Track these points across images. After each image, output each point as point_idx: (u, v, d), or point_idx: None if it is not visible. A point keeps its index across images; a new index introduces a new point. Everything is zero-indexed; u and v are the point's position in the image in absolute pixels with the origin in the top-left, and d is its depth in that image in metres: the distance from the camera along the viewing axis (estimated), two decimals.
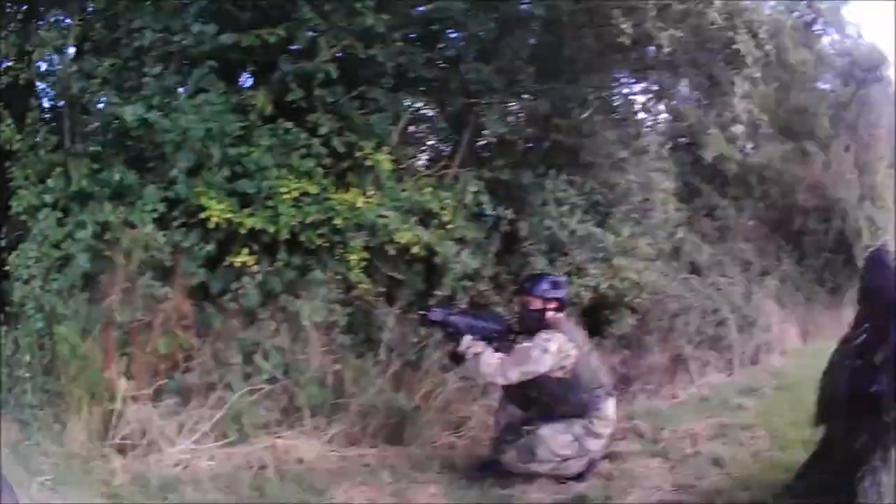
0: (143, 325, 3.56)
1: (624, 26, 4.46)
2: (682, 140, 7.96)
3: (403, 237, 4.17)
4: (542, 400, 3.62)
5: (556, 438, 3.54)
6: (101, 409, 3.23)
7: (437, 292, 4.45)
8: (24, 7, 4.56)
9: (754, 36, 5.15)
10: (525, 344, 3.63)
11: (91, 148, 4.10)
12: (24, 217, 3.57)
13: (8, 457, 2.93)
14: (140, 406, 3.27)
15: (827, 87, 10.13)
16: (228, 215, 3.84)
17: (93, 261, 3.45)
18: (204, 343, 3.77)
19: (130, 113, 3.74)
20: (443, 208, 4.48)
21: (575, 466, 3.59)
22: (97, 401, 3.26)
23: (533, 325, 3.71)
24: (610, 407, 3.72)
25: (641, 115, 6.60)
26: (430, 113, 5.80)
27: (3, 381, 3.28)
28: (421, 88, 5.21)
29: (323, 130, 4.24)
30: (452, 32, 5.26)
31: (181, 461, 3.15)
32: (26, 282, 3.23)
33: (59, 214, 3.58)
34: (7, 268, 3.40)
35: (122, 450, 3.12)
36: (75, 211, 3.58)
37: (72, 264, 3.38)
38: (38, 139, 4.01)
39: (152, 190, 3.77)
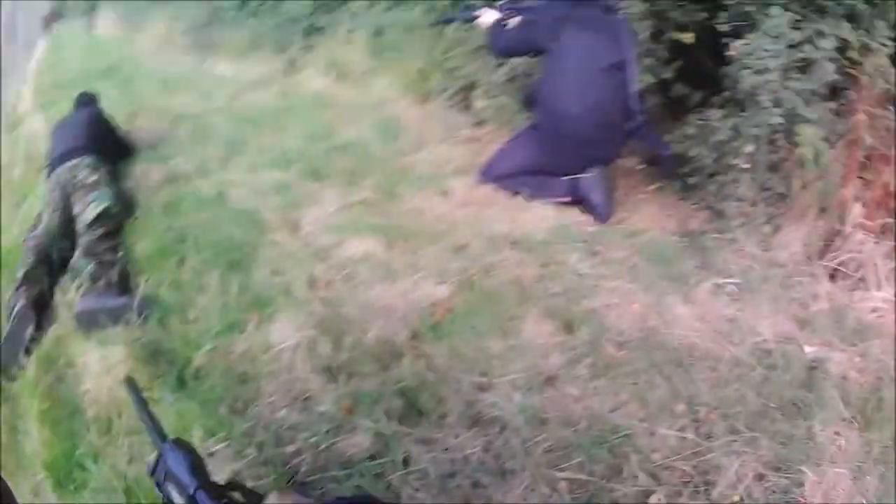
0: (881, 157, 3.77)
1: None
2: None
3: None
4: None
5: None
6: (825, 226, 3.28)
7: None
8: None
9: None
10: None
11: None
12: (748, 9, 3.99)
13: (678, 245, 3.33)
14: (863, 237, 3.24)
15: None
16: None
17: (837, 73, 3.75)
18: None
19: None
20: None
21: None
22: (825, 216, 3.31)
23: None
24: None
25: None
26: None
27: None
28: None
29: None
30: None
31: (879, 309, 3.07)
32: (759, 73, 3.60)
33: (794, 17, 3.91)
34: (730, 53, 3.82)
35: (832, 276, 3.15)
36: (812, 19, 3.85)
37: (814, 68, 3.70)
38: None
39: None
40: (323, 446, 2.27)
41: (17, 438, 2.73)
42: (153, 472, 1.09)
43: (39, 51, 19.38)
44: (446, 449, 2.22)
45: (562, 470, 2.16)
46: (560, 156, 3.61)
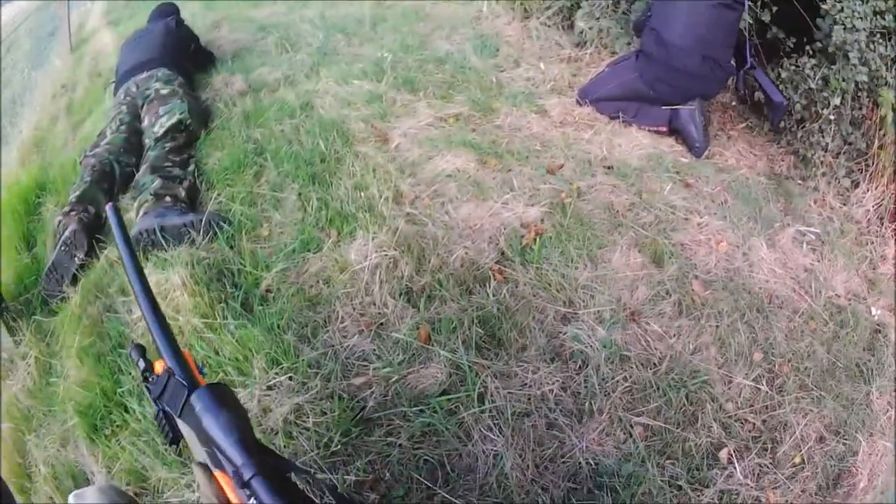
0: None
1: None
2: None
3: None
4: None
5: None
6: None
7: None
8: None
9: None
10: None
11: None
12: None
13: (765, 186, 3.26)
14: None
15: None
16: None
17: None
18: None
19: None
20: None
21: None
22: None
23: None
24: None
25: None
26: None
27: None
28: None
29: None
30: None
31: None
32: (849, 30, 3.33)
33: None
34: (824, 5, 3.61)
35: None
36: None
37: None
38: None
39: None
40: (394, 378, 2.14)
41: (48, 381, 2.52)
42: (152, 395, 1.02)
43: None
44: (524, 385, 2.13)
45: (638, 415, 2.10)
46: (663, 85, 3.47)
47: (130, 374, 2.26)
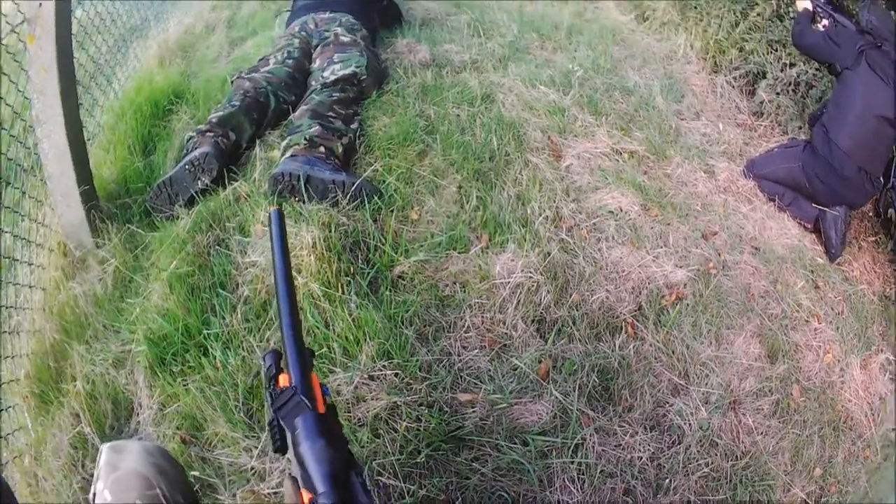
0: None
1: None
2: None
3: None
4: None
5: None
6: None
7: None
8: None
9: None
10: None
11: None
12: None
13: (876, 307, 3.15)
14: None
15: None
16: None
17: None
18: None
19: None
20: None
21: None
22: None
23: None
24: None
25: None
26: None
27: None
28: None
29: None
30: None
31: None
32: None
33: None
34: None
35: None
36: None
37: None
38: None
39: None
40: (501, 405, 2.02)
41: (122, 296, 2.31)
42: (273, 405, 1.00)
43: None
44: (618, 445, 2.06)
45: (706, 502, 2.07)
46: (819, 183, 3.42)
47: (223, 318, 2.12)
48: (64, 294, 2.32)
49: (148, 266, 2.37)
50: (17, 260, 2.31)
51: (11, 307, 2.22)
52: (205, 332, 2.09)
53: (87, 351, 2.15)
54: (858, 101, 3.30)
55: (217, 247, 2.36)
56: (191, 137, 2.73)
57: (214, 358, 2.01)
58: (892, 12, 3.57)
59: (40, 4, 2.21)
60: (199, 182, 2.58)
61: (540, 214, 2.69)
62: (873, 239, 3.66)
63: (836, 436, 2.45)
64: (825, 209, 3.39)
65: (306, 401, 0.97)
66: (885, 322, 3.11)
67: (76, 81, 2.48)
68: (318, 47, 3.35)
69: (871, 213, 3.80)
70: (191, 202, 2.58)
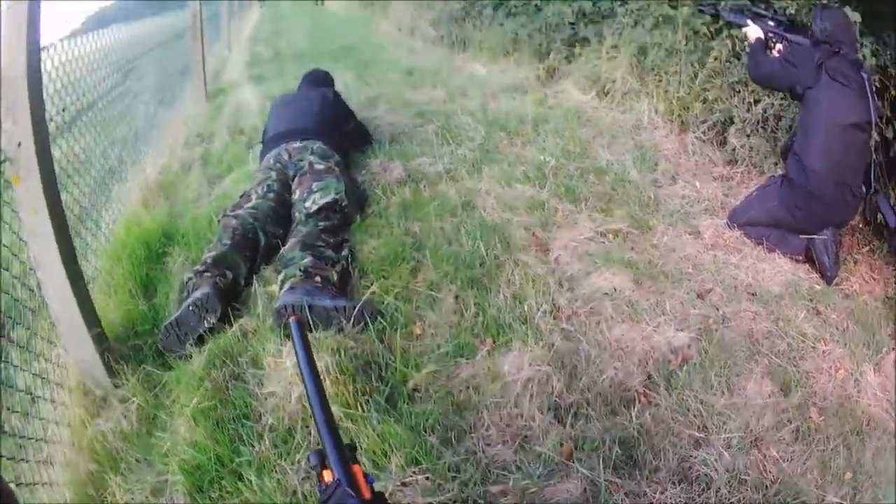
0: None
1: None
2: None
3: None
4: None
5: None
6: None
7: None
8: None
9: None
10: None
11: None
12: None
13: (880, 312, 3.45)
14: None
15: None
16: None
17: None
18: None
19: None
20: None
21: None
22: None
23: None
24: None
25: None
26: None
27: None
28: None
29: None
30: None
31: None
32: None
33: None
34: None
35: None
36: None
37: None
38: None
39: None
40: (531, 490, 2.26)
41: (149, 432, 2.60)
42: (320, 499, 1.11)
43: (253, 18, 19.46)
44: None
45: None
46: (801, 213, 3.85)
47: (252, 446, 2.40)
48: (91, 430, 2.58)
49: (170, 403, 2.68)
50: (39, 397, 2.56)
51: (41, 439, 2.48)
52: (237, 459, 2.36)
53: (123, 481, 2.40)
54: (824, 116, 3.64)
55: (234, 381, 2.70)
56: (189, 279, 3.11)
57: (251, 482, 2.26)
58: (846, 8, 3.94)
59: (19, 144, 2.43)
60: (205, 322, 2.92)
61: (538, 309, 3.14)
62: (867, 249, 4.05)
63: (861, 439, 2.78)
64: (813, 237, 3.79)
65: (350, 491, 1.09)
66: (893, 322, 3.48)
67: (67, 224, 2.72)
68: (296, 178, 3.83)
69: (860, 225, 4.22)
70: (201, 340, 2.91)
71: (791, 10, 4.54)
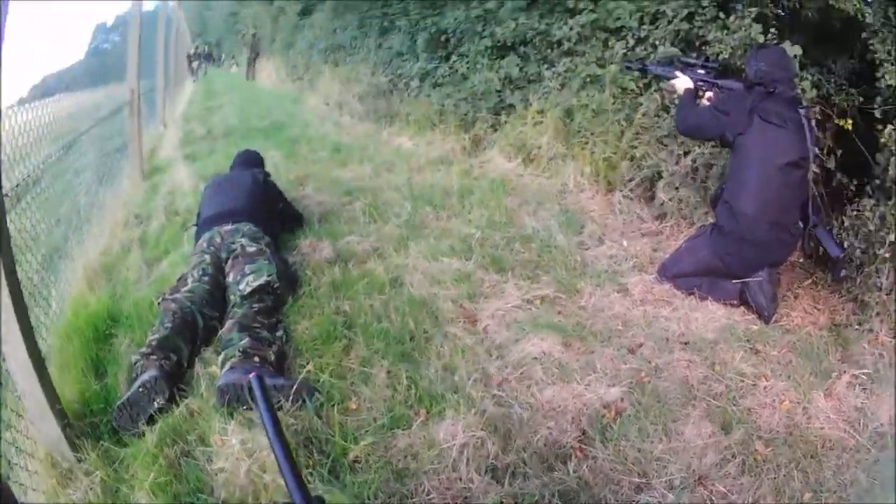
0: None
1: None
2: None
3: None
4: None
5: None
6: None
7: None
8: None
9: None
10: None
11: None
12: None
13: (826, 340, 3.76)
14: None
15: None
16: None
17: None
18: None
19: None
20: None
21: None
22: None
23: None
24: None
25: None
26: None
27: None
28: None
29: None
30: None
31: None
32: None
33: None
34: (882, 140, 3.97)
35: None
36: None
37: None
38: None
39: None
40: None
41: (113, 502, 2.85)
42: None
43: (186, 93, 20.28)
44: None
45: None
46: (733, 258, 4.12)
47: None
48: (63, 499, 2.84)
49: (129, 477, 2.90)
50: (16, 464, 2.83)
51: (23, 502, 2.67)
52: None
53: None
54: (756, 160, 3.90)
55: (185, 458, 2.94)
56: (136, 361, 3.39)
57: None
58: (786, 42, 4.24)
59: None
60: (154, 402, 3.21)
61: (469, 378, 3.44)
62: (809, 281, 4.38)
63: (818, 461, 3.00)
64: (746, 280, 4.03)
65: None
66: (842, 347, 3.73)
67: (24, 300, 2.90)
68: (229, 260, 4.17)
69: (800, 259, 4.52)
70: (151, 420, 3.19)
71: (724, 55, 4.94)
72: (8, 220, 2.97)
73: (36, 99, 4.58)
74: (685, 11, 5.51)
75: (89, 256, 5.20)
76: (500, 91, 7.94)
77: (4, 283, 2.71)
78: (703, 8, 5.35)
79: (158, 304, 3.98)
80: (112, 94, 8.14)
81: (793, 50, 4.35)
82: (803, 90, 4.37)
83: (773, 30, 4.74)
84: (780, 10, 4.99)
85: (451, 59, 9.20)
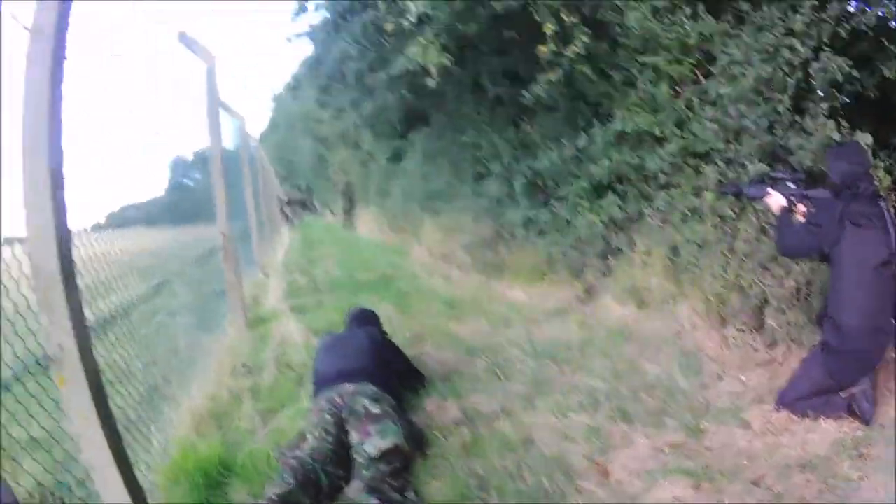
0: None
1: None
2: None
3: None
4: None
5: None
6: None
7: None
8: None
9: None
10: None
11: None
12: None
13: None
14: None
15: None
16: None
17: None
18: None
19: None
20: None
21: None
22: None
23: None
24: None
25: None
26: None
27: None
28: None
29: None
30: None
31: None
32: None
33: None
34: None
35: None
36: None
37: None
38: None
39: None
40: None
41: None
42: None
43: (284, 241, 21.15)
44: None
45: None
46: (843, 372, 4.48)
47: None
48: None
49: None
50: None
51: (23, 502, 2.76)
52: None
53: None
54: (852, 267, 4.16)
55: None
56: None
57: None
58: (856, 132, 4.58)
59: (61, 347, 2.69)
60: None
61: None
62: None
63: None
64: (852, 390, 4.38)
65: None
66: None
67: (119, 433, 3.01)
68: (351, 421, 4.34)
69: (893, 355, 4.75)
70: None
71: (807, 162, 5.37)
72: (95, 352, 3.05)
73: (112, 227, 4.87)
74: (766, 121, 5.94)
75: (195, 401, 5.47)
76: (604, 235, 8.28)
77: (95, 413, 2.87)
78: (780, 114, 5.80)
79: (277, 458, 4.27)
80: (199, 235, 8.47)
81: (864, 138, 4.74)
82: (879, 179, 4.72)
83: (843, 121, 5.17)
84: (845, 98, 5.48)
85: (549, 203, 9.54)
